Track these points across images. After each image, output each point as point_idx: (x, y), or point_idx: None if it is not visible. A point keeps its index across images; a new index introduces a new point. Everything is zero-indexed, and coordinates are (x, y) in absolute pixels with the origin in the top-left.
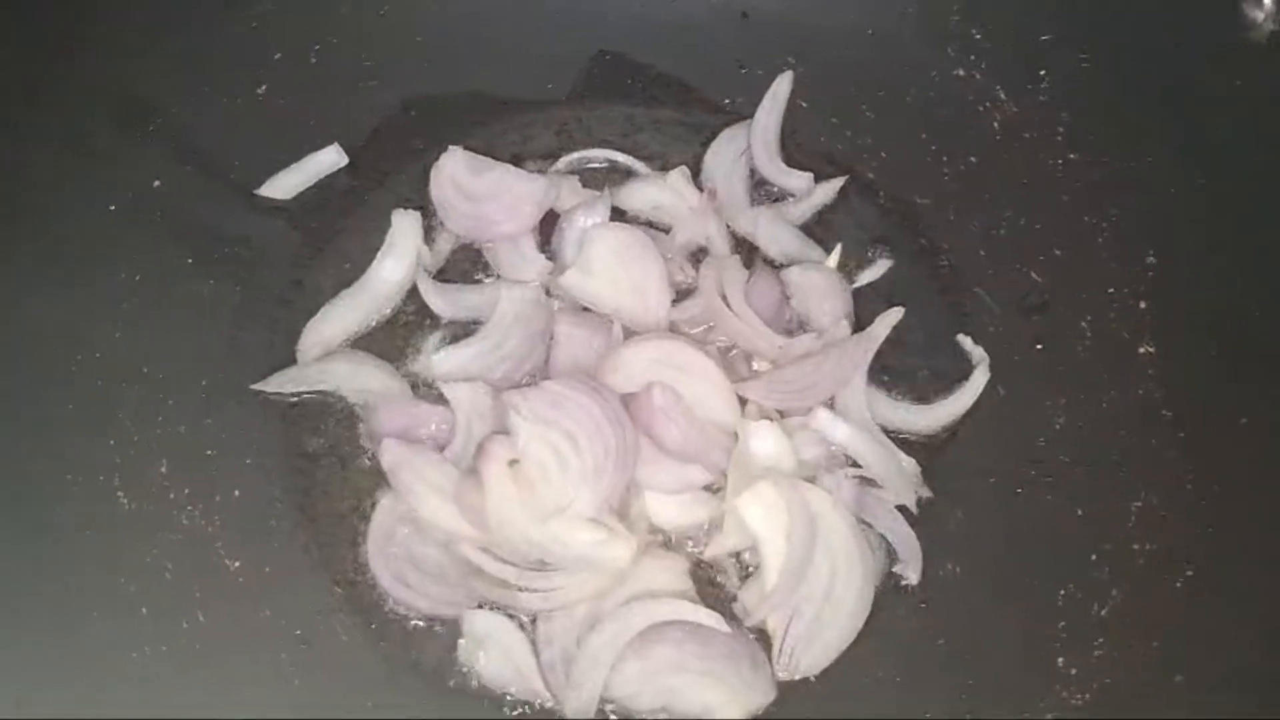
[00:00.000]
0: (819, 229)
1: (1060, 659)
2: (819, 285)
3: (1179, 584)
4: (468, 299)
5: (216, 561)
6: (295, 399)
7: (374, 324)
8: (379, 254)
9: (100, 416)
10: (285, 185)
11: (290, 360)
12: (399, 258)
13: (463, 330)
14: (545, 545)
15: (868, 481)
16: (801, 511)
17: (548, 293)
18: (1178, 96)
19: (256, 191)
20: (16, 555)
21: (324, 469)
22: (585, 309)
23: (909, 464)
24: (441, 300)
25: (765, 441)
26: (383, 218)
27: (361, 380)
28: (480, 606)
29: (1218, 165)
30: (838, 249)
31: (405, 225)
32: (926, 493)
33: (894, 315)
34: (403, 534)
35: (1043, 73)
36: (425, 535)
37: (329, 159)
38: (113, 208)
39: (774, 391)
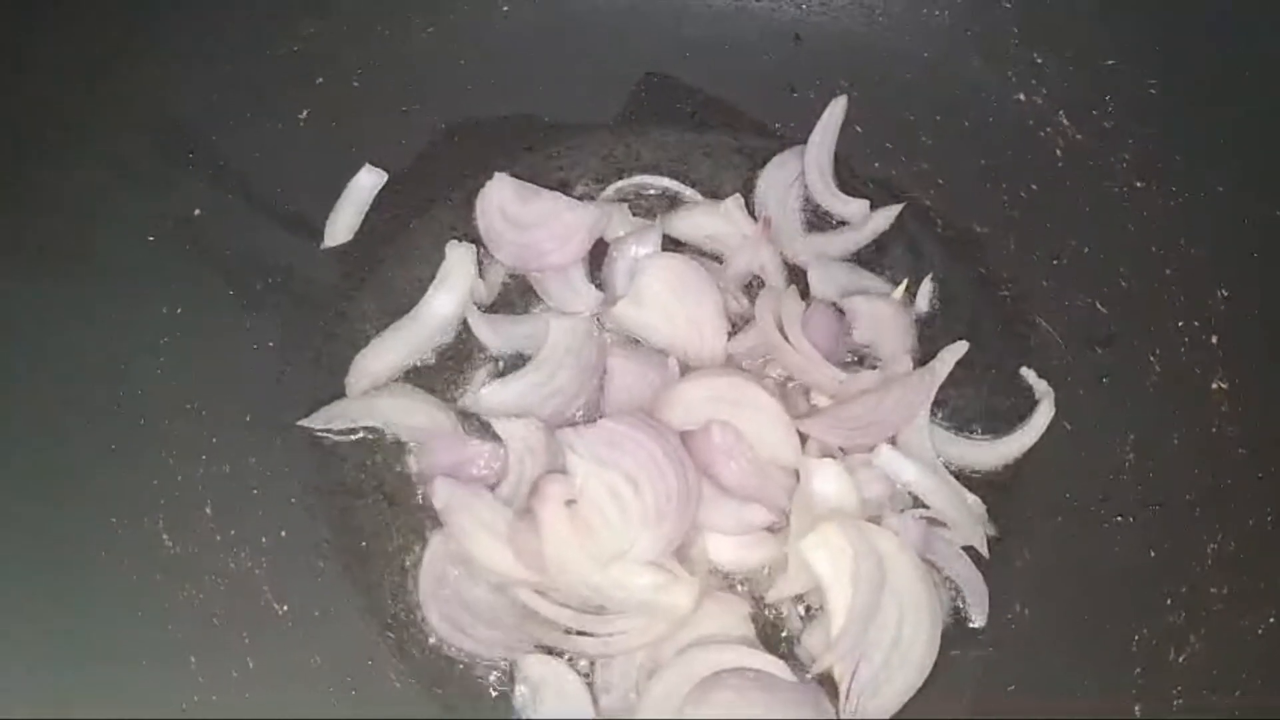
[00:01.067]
0: (875, 257)
1: (1138, 706)
2: (884, 316)
3: (1261, 630)
4: (518, 331)
5: (264, 606)
6: (341, 436)
7: (423, 358)
8: (431, 286)
9: (143, 456)
10: (341, 227)
11: (335, 394)
12: (451, 290)
13: (513, 364)
14: (604, 589)
15: (933, 521)
16: (868, 553)
17: (600, 324)
18: (1248, 124)
19: (322, 246)
20: (60, 603)
21: (372, 508)
22: (638, 342)
23: (975, 503)
24: (491, 332)
25: (828, 481)
26: (428, 246)
27: (410, 416)
28: (537, 651)
29: None
30: (904, 283)
31: (459, 257)
32: (992, 531)
33: (959, 349)
34: (455, 575)
35: (1107, 98)
36: (478, 577)
37: (368, 181)
38: (152, 238)
39: (836, 428)
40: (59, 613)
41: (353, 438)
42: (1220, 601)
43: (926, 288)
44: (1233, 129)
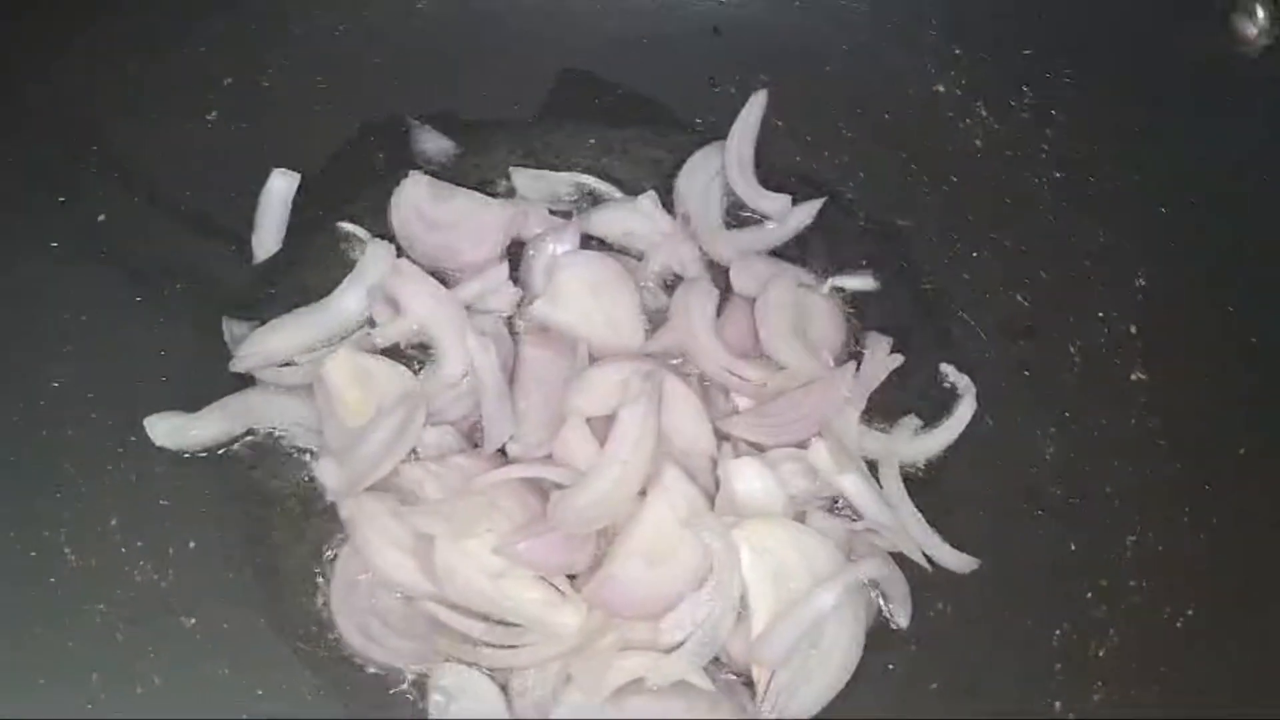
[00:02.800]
0: (797, 253)
1: (1058, 703)
2: (814, 308)
3: (1179, 624)
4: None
5: (171, 619)
6: (249, 438)
7: (320, 350)
8: (346, 279)
9: (45, 467)
10: (268, 237)
11: None
12: (364, 286)
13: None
14: (497, 602)
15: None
16: (792, 553)
17: (509, 322)
18: (1166, 113)
19: (255, 262)
20: None
21: (284, 516)
22: (547, 329)
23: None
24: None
25: (750, 479)
26: (342, 248)
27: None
28: (450, 659)
29: (1209, 183)
30: (829, 279)
31: (377, 254)
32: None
33: (894, 360)
34: (366, 584)
35: (1025, 88)
36: (389, 586)
37: (281, 185)
38: (55, 244)
39: (759, 426)
40: None
41: (263, 442)
42: (1140, 594)
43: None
44: (1150, 118)
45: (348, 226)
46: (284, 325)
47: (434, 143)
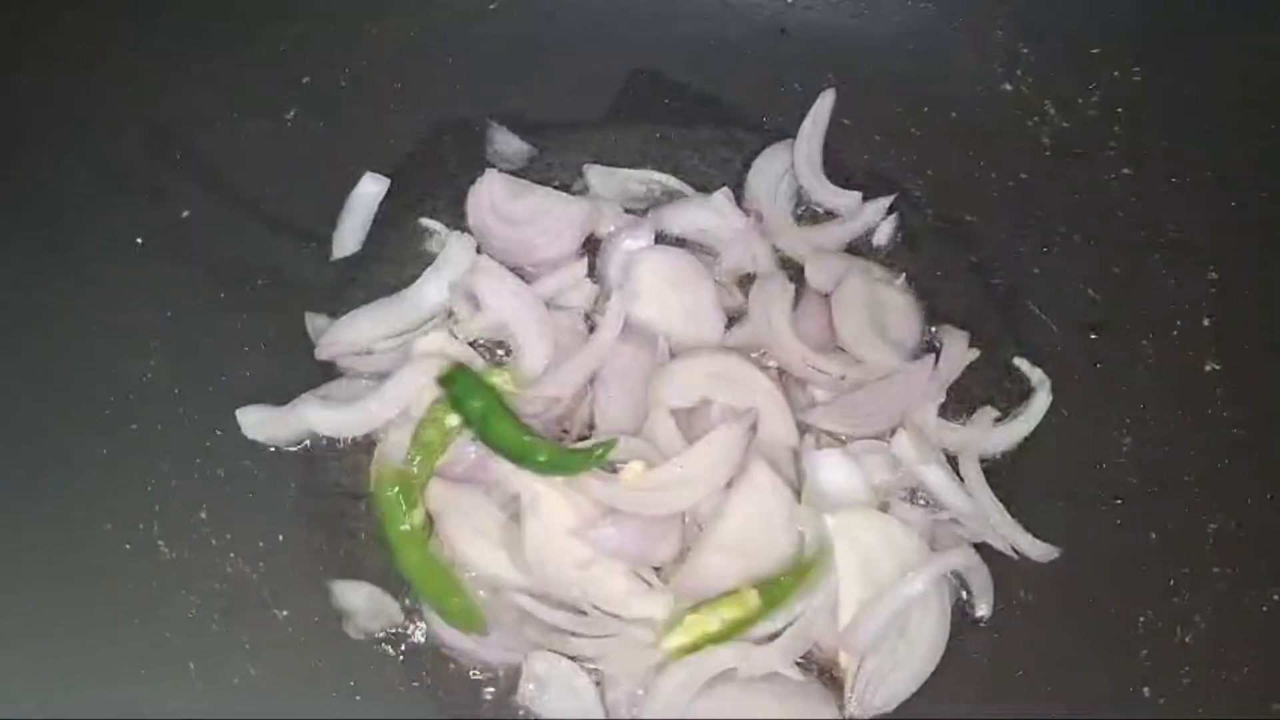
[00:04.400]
0: (867, 249)
1: (1147, 689)
2: (888, 303)
3: (1265, 608)
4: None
5: (264, 611)
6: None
7: (399, 341)
8: (427, 270)
9: (136, 461)
10: (349, 238)
11: None
12: (445, 278)
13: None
14: (586, 592)
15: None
16: (878, 543)
17: (587, 318)
18: (1234, 107)
19: (333, 258)
20: (57, 611)
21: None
22: (626, 324)
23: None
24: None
25: (834, 470)
26: (419, 245)
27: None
28: (540, 649)
29: (1278, 177)
30: (903, 274)
31: (459, 247)
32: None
33: (971, 354)
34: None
35: (1093, 86)
36: (476, 580)
37: (371, 189)
38: (141, 240)
39: (840, 417)
40: (57, 621)
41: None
42: (1223, 581)
43: (890, 222)
44: (1218, 113)
45: (427, 222)
46: (365, 315)
47: (510, 144)
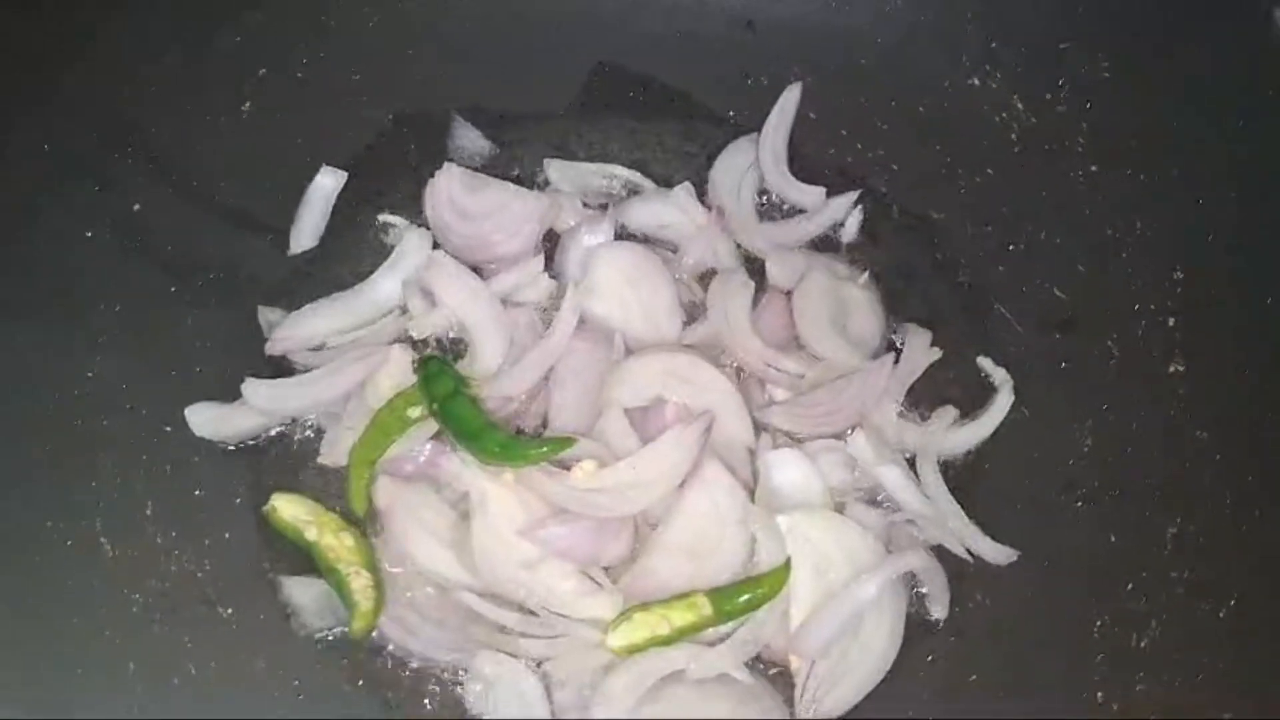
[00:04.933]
0: (830, 246)
1: (1100, 693)
2: (852, 300)
3: (1222, 614)
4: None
5: (207, 609)
6: (285, 430)
7: (352, 337)
8: (383, 265)
9: (81, 457)
10: (306, 233)
11: None
12: (400, 272)
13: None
14: (533, 592)
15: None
16: (832, 545)
17: (544, 315)
18: (1203, 105)
19: (291, 253)
20: None
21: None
22: (582, 320)
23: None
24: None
25: (790, 470)
26: (375, 240)
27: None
28: (488, 649)
29: (1246, 176)
30: (866, 271)
31: (415, 242)
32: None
33: (933, 354)
34: (402, 576)
35: (1061, 81)
36: (424, 577)
37: (328, 183)
38: (90, 233)
39: (797, 416)
40: None
41: (300, 435)
42: (1181, 586)
43: (855, 213)
44: (1188, 112)
45: (386, 217)
46: (318, 310)
47: (471, 140)
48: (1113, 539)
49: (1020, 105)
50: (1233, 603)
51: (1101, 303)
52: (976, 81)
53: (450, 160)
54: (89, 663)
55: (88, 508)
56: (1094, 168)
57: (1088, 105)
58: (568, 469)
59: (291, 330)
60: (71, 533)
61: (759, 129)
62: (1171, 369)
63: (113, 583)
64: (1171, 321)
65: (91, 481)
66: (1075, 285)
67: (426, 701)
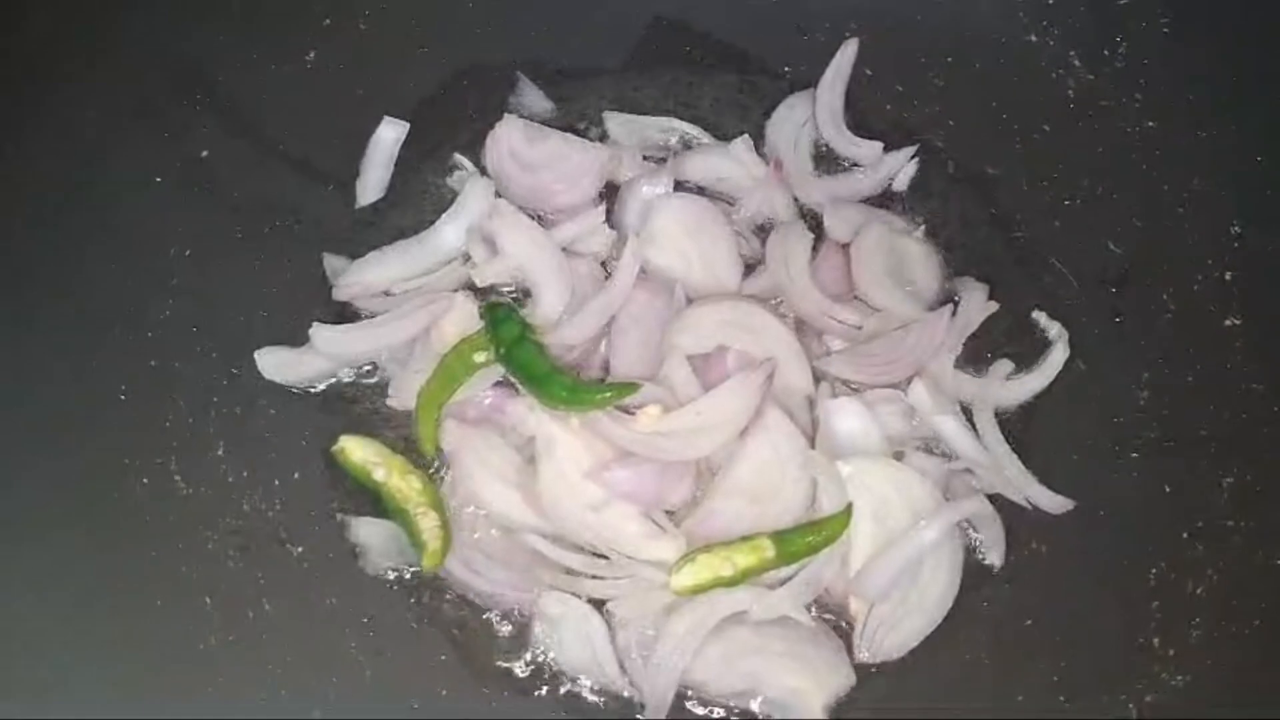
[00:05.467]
0: (886, 200)
1: (1156, 639)
2: (909, 253)
3: (1278, 561)
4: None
5: (279, 547)
6: (351, 374)
7: (416, 283)
8: (445, 213)
9: (155, 398)
10: (372, 185)
11: None
12: (463, 220)
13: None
14: (599, 534)
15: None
16: (892, 492)
17: (604, 265)
18: (1262, 61)
19: (357, 206)
20: (76, 541)
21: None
22: (642, 271)
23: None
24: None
25: (849, 419)
26: (436, 189)
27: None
28: (553, 590)
29: None
30: (922, 224)
31: (478, 190)
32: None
33: (990, 307)
34: (468, 517)
35: (1119, 38)
36: (490, 519)
37: (390, 134)
38: (160, 179)
39: (857, 365)
40: (74, 553)
41: (364, 379)
42: (1237, 534)
43: (911, 166)
44: (1245, 67)
45: (458, 158)
46: (383, 257)
47: (535, 100)
48: (1167, 489)
49: (1078, 62)
50: None
51: (1157, 257)
52: (1034, 38)
53: (510, 112)
54: (169, 596)
55: (162, 447)
56: (1151, 124)
57: (1145, 62)
58: (632, 414)
59: (357, 277)
60: (147, 471)
61: (815, 84)
62: (1228, 322)
63: (188, 520)
64: (1228, 276)
65: (165, 422)
66: (1130, 240)
67: (491, 640)
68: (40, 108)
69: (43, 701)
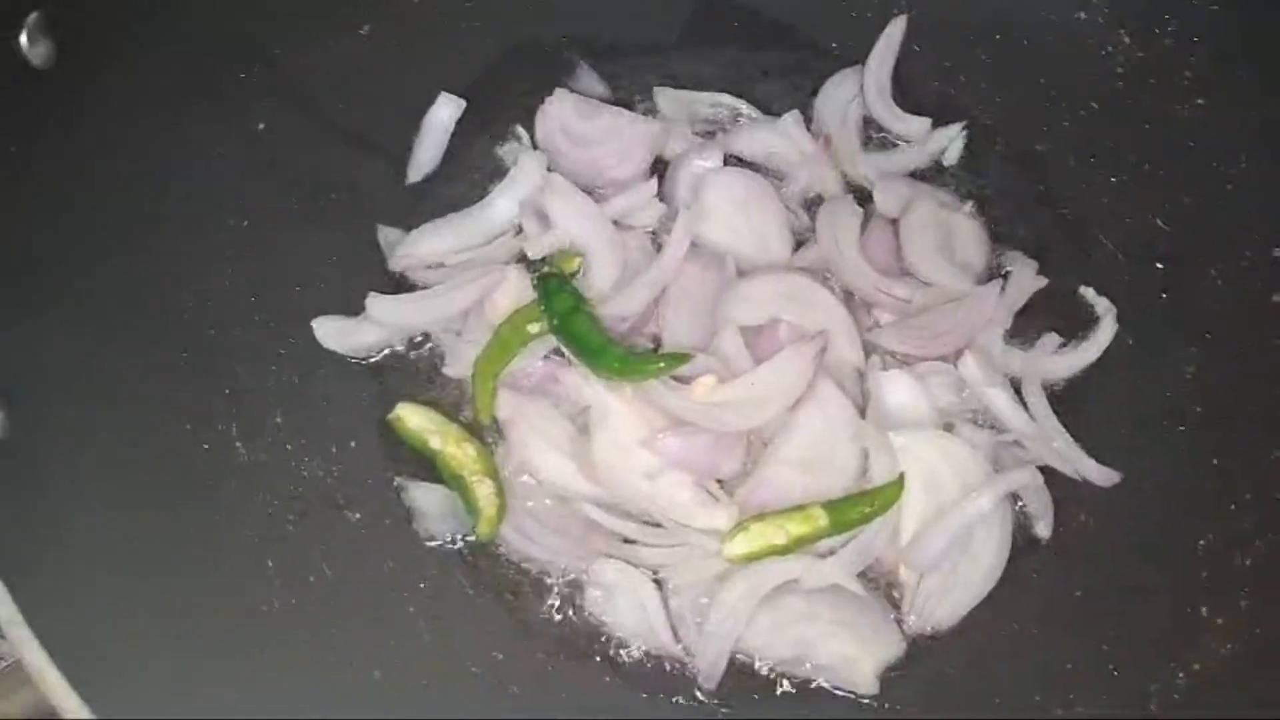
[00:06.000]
0: (934, 176)
1: (1205, 608)
2: (959, 227)
3: None
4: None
5: (337, 513)
6: (408, 345)
7: (470, 255)
8: (497, 187)
9: (214, 364)
10: (425, 160)
11: None
12: (515, 193)
13: None
14: (654, 501)
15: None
16: (942, 463)
17: (655, 238)
18: None
19: (410, 182)
20: (139, 508)
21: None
22: (694, 244)
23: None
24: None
25: (900, 391)
26: (489, 162)
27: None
28: (607, 556)
29: None
30: (970, 201)
31: (530, 164)
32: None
33: (1039, 282)
34: (522, 485)
35: (1168, 16)
36: (543, 488)
37: (446, 111)
38: (220, 151)
39: (907, 337)
40: (137, 517)
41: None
42: None
43: (959, 142)
44: None
45: (517, 129)
46: (437, 229)
47: (590, 84)
48: (1215, 462)
49: (1127, 39)
50: None
51: (1205, 234)
52: (1083, 15)
53: (561, 86)
54: (231, 559)
55: (222, 414)
56: (1200, 101)
57: (1195, 39)
58: (687, 384)
59: (412, 248)
60: (208, 437)
61: (864, 61)
62: (1275, 299)
63: (248, 485)
64: (1276, 253)
65: (225, 389)
66: (1179, 217)
67: (545, 606)
68: (106, 86)
69: (112, 664)
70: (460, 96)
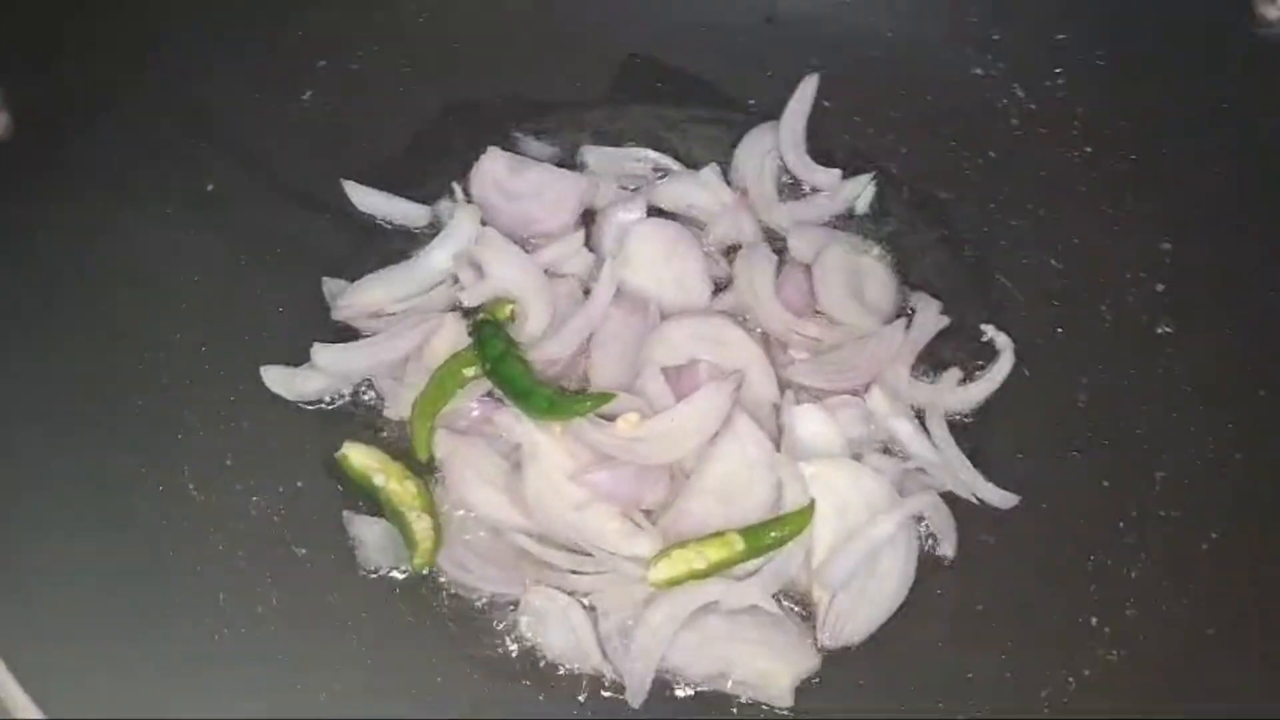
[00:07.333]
0: (845, 223)
1: (1094, 618)
2: (872, 272)
3: (1205, 546)
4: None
5: (285, 549)
6: (352, 391)
7: (409, 304)
8: (435, 240)
9: (168, 413)
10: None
11: None
12: (451, 245)
13: None
14: (581, 532)
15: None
16: (852, 490)
17: (584, 286)
18: (1191, 92)
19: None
20: (99, 544)
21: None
22: (618, 290)
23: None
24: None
25: (812, 424)
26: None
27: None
28: (538, 585)
29: (1230, 157)
30: (877, 246)
31: (465, 217)
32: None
33: (942, 321)
34: (458, 519)
35: (1058, 70)
36: (478, 521)
37: (358, 195)
38: (169, 210)
39: (819, 373)
40: (101, 554)
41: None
42: (1168, 523)
43: (868, 190)
44: (1175, 96)
45: (454, 186)
46: (378, 280)
47: (538, 149)
48: (1105, 484)
49: (1020, 93)
50: (1214, 536)
51: (1095, 272)
52: (980, 71)
53: (493, 145)
54: (185, 592)
55: (176, 457)
56: (1089, 149)
57: (1082, 91)
58: (612, 421)
59: (354, 299)
60: (163, 479)
61: (779, 116)
62: (1160, 330)
63: (200, 524)
64: (1160, 287)
65: (178, 434)
66: (1071, 257)
67: (483, 633)
68: (67, 150)
69: (64, 694)
70: (399, 155)
